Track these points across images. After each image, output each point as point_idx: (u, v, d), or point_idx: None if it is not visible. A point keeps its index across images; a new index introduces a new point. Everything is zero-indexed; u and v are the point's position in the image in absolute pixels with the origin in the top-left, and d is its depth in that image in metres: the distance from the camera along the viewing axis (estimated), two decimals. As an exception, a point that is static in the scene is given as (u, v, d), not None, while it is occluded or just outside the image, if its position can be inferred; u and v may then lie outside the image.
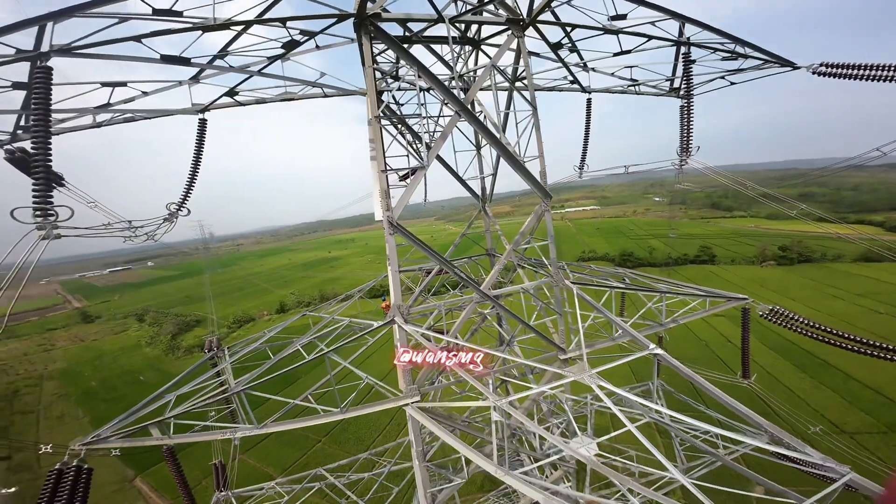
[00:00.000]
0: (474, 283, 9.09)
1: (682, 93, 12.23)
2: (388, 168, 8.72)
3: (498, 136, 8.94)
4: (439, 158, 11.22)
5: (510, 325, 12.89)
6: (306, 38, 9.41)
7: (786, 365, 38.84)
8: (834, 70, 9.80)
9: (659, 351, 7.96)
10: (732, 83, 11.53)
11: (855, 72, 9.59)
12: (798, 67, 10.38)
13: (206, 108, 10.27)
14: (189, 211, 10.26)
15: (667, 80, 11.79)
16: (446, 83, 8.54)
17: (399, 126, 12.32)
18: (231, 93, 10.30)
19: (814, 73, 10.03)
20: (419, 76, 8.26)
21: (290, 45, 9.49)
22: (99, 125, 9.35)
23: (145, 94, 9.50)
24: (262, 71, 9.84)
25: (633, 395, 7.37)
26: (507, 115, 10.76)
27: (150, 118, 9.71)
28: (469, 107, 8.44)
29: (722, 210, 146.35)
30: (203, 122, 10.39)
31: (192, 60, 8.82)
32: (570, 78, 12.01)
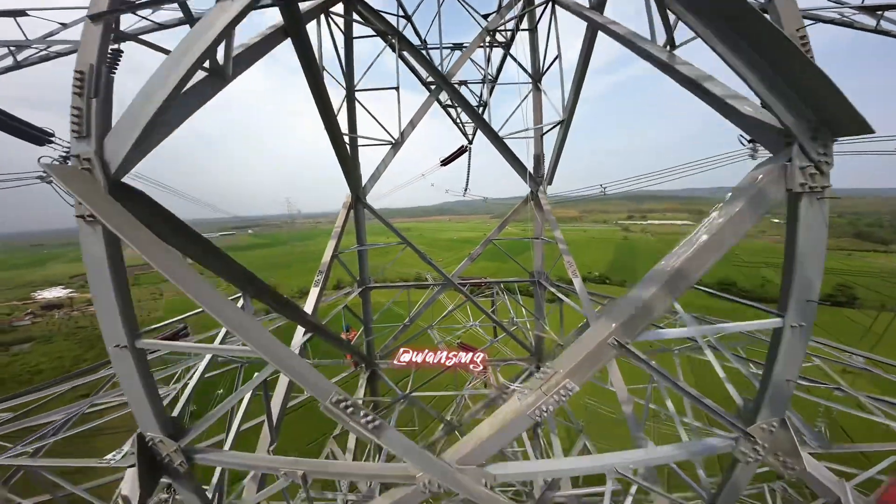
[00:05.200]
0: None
1: None
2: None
3: None
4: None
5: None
6: None
7: None
8: None
9: None
10: None
11: None
12: None
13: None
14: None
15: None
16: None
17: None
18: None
19: None
20: None
21: None
22: (19, 66, 7.31)
23: (64, 25, 7.14)
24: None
25: None
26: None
27: (70, 53, 7.48)
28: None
29: (873, 242, 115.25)
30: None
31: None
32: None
